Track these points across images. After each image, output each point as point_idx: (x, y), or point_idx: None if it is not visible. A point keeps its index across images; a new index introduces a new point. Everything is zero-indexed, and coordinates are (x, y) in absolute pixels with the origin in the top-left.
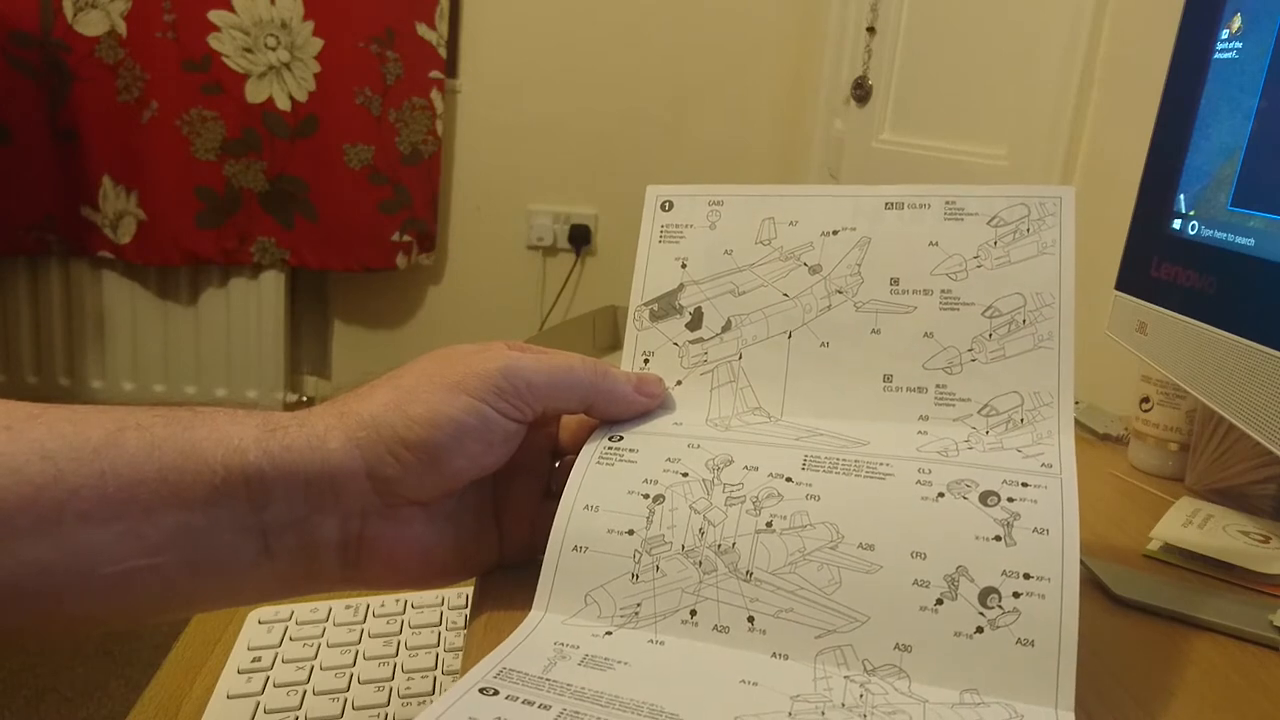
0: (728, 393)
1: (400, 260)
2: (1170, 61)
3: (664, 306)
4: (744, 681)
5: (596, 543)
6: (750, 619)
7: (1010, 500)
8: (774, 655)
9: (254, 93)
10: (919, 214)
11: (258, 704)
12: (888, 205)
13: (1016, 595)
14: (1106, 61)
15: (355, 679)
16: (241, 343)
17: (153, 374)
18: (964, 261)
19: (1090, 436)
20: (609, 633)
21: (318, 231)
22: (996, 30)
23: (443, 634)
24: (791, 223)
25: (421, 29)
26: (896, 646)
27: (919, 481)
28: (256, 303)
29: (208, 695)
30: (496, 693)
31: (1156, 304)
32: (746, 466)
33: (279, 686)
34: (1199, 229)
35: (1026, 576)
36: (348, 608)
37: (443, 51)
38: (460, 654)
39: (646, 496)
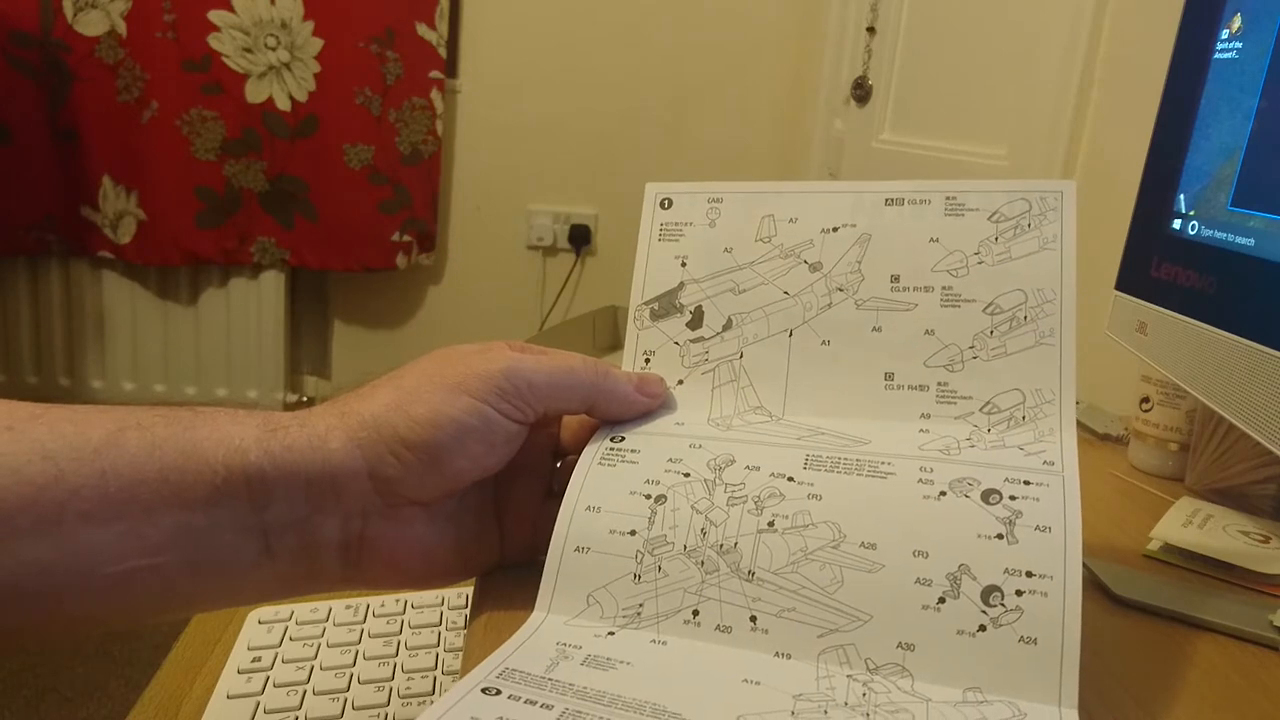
0: (729, 392)
1: (400, 260)
2: (1170, 61)
3: (664, 305)
4: (747, 681)
5: (598, 543)
6: (752, 619)
7: (1012, 498)
8: (776, 655)
9: (254, 93)
10: (919, 210)
11: (258, 704)
12: (888, 201)
13: (1019, 593)
14: (1106, 61)
15: (355, 679)
16: (241, 343)
17: (153, 374)
18: (965, 258)
19: (1090, 436)
20: (611, 633)
21: (318, 231)
22: (996, 30)
23: (443, 634)
24: (791, 220)
25: (421, 29)
26: (899, 645)
27: (921, 480)
28: (256, 303)
29: (208, 695)
30: (499, 692)
31: (1156, 304)
32: (748, 466)
33: (279, 686)
34: (1199, 229)
35: (1029, 574)
36: (348, 608)
37: (443, 51)
38: (460, 654)
39: (648, 497)
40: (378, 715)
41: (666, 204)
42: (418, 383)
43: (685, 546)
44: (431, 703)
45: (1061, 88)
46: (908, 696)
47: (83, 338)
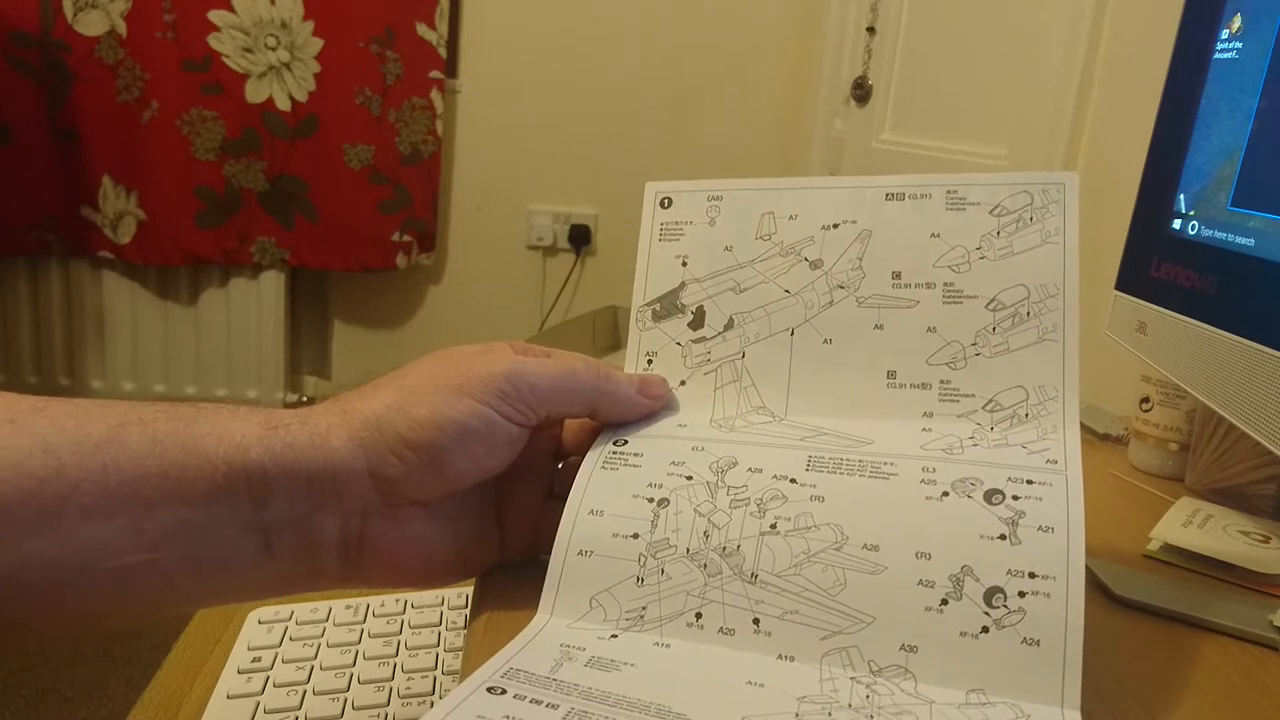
0: (731, 392)
1: (400, 260)
2: (1170, 61)
3: (666, 306)
4: (750, 683)
5: (601, 547)
6: (755, 621)
7: (1015, 498)
8: (780, 657)
9: (254, 93)
10: (920, 205)
11: (258, 704)
12: (888, 196)
13: (1022, 595)
14: (1106, 61)
15: (355, 679)
16: (241, 343)
17: (153, 374)
18: (966, 253)
19: (1090, 436)
20: (615, 636)
21: (318, 231)
22: (996, 30)
23: (443, 634)
24: (791, 217)
25: (421, 29)
26: (902, 647)
27: (923, 480)
28: (256, 303)
29: (208, 695)
30: (504, 692)
31: (1156, 304)
32: (750, 468)
33: (279, 686)
34: (1199, 229)
35: (1032, 575)
36: (348, 608)
37: (443, 51)
38: (460, 654)
39: (651, 500)
40: (378, 715)
41: (666, 203)
42: (420, 383)
43: (688, 549)
44: (432, 703)
45: (1061, 88)
46: (911, 698)
47: (83, 338)
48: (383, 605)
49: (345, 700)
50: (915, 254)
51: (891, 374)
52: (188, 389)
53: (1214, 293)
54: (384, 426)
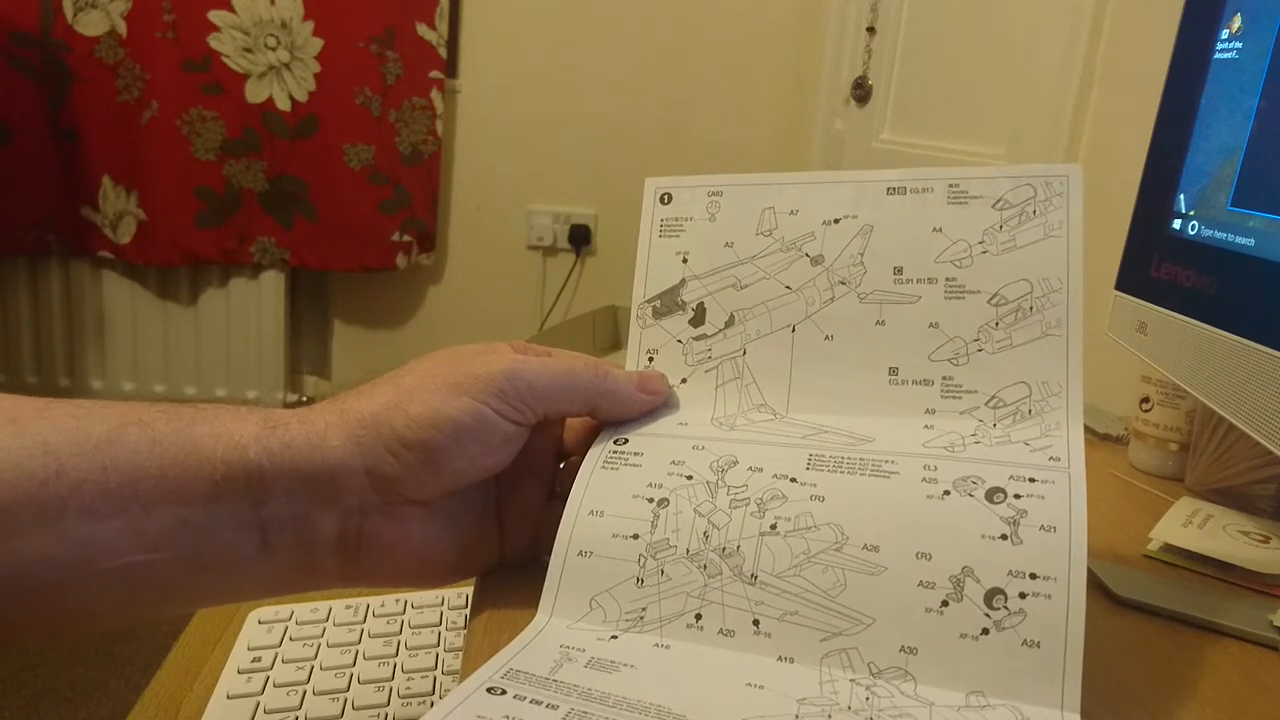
0: (732, 390)
1: (400, 260)
2: (1170, 61)
3: (666, 303)
4: (750, 684)
5: (601, 548)
6: (755, 622)
7: (1017, 496)
8: (779, 658)
9: (254, 93)
10: (922, 199)
11: (258, 704)
12: (890, 190)
13: (1023, 596)
14: (1106, 61)
15: (355, 679)
16: (241, 343)
17: (153, 374)
18: (969, 247)
19: (1091, 436)
20: (614, 636)
21: (318, 231)
22: (996, 30)
23: (443, 634)
24: (792, 212)
25: (421, 29)
26: (902, 649)
27: (925, 479)
28: (256, 303)
29: (208, 695)
30: (504, 692)
31: (1156, 304)
32: (751, 468)
33: (279, 686)
34: (1199, 229)
35: (1033, 576)
36: (348, 608)
37: (443, 51)
38: (460, 654)
39: (651, 500)
40: (378, 715)
41: (666, 199)
42: (418, 382)
43: (688, 550)
44: (432, 703)
45: (1061, 88)
46: (911, 700)
47: (83, 338)
48: (383, 605)
49: (345, 700)
50: (917, 249)
51: (893, 370)
52: (188, 389)
53: (1214, 293)
54: (381, 425)
